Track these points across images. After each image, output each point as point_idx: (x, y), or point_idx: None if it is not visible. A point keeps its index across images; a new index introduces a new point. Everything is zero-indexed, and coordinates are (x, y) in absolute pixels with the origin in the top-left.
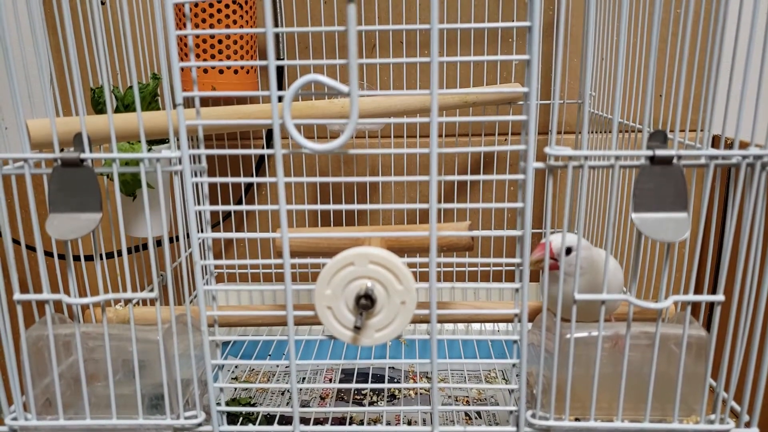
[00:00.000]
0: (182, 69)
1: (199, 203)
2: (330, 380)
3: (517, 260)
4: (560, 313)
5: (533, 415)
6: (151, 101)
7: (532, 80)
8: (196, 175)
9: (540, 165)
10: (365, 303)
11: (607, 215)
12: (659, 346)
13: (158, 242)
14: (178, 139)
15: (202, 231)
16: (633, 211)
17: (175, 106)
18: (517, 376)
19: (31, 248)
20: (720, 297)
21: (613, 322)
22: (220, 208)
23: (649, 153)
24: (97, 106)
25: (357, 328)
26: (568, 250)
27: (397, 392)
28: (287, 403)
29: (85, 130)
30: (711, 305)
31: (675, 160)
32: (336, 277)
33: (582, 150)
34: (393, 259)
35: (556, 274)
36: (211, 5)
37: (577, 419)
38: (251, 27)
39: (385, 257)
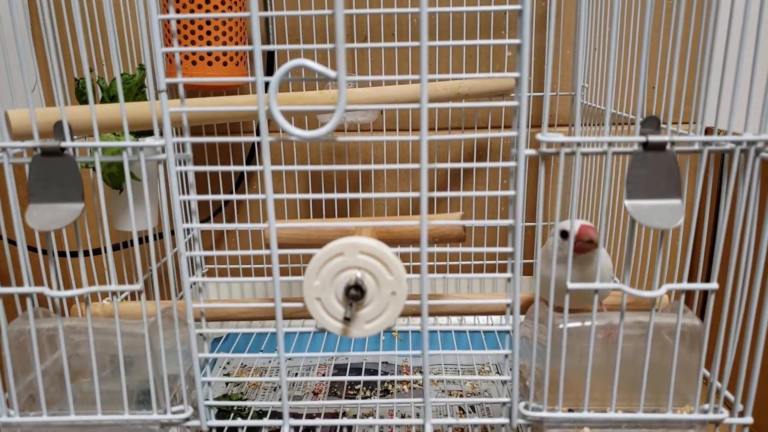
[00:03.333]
0: (169, 60)
1: (185, 193)
2: (323, 376)
3: (509, 249)
4: (553, 299)
5: (526, 407)
6: (138, 92)
7: (523, 65)
8: (181, 164)
9: (532, 152)
10: (355, 294)
11: (600, 203)
12: (653, 335)
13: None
14: (161, 128)
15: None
16: (626, 198)
17: (158, 93)
18: (510, 369)
19: (12, 242)
20: (714, 285)
21: (605, 311)
22: (207, 197)
23: (642, 139)
24: (81, 96)
25: (347, 320)
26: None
27: (390, 387)
28: (279, 399)
29: (65, 117)
30: (705, 294)
31: (668, 146)
32: (325, 267)
33: (575, 137)
34: (383, 248)
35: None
36: None
37: (570, 410)
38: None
39: (375, 247)
